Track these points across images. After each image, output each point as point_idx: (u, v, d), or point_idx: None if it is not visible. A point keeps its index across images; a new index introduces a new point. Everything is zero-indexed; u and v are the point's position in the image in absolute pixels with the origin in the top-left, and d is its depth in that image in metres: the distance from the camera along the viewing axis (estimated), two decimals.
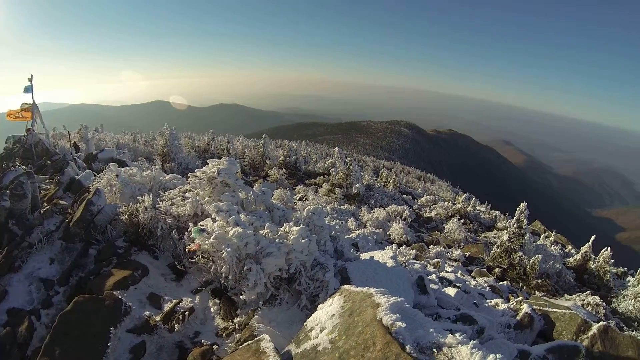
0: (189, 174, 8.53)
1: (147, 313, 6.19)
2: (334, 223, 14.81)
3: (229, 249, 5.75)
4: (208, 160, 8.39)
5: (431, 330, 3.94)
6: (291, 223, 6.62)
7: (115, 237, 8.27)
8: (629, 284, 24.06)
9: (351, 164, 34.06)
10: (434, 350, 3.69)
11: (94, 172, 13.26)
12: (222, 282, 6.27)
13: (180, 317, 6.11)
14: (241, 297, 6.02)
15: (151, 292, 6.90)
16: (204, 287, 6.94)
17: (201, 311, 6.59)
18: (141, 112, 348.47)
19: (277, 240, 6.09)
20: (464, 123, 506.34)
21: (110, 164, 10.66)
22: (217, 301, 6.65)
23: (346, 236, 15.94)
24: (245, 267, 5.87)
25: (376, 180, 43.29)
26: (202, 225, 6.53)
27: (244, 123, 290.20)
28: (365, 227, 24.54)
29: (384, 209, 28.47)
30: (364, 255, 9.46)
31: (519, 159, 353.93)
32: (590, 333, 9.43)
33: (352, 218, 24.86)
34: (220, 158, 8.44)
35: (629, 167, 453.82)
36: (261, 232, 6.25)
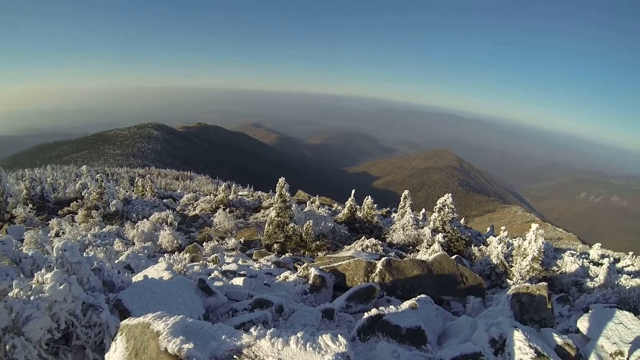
0: None
1: None
2: (93, 253, 13.32)
3: None
4: None
5: (224, 337, 3.71)
6: (43, 270, 5.47)
7: None
8: (394, 219, 27.78)
9: (102, 181, 31.20)
10: (235, 357, 3.49)
11: None
12: None
13: None
14: None
15: None
16: None
17: None
18: None
19: (32, 298, 4.93)
20: (213, 114, 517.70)
21: None
22: None
23: (116, 260, 14.57)
24: (7, 347, 4.64)
25: (133, 191, 40.85)
26: None
27: None
28: (133, 244, 22.91)
29: (148, 220, 26.95)
30: (138, 277, 8.66)
31: (271, 139, 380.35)
32: (377, 270, 10.52)
33: (117, 239, 22.90)
34: None
35: (372, 127, 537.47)
36: (11, 294, 5.02)
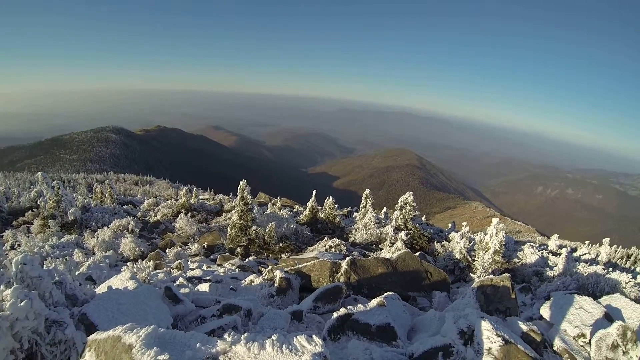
0: None
1: None
2: (53, 265, 12.96)
3: None
4: None
5: (198, 345, 3.67)
6: (2, 286, 5.23)
7: None
8: (356, 219, 27.93)
9: (59, 188, 30.13)
10: None
11: None
12: None
13: None
14: None
15: None
16: None
17: None
18: None
19: None
20: (173, 117, 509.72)
21: None
22: None
23: (77, 272, 14.17)
24: None
25: (92, 198, 39.72)
26: None
27: None
28: (94, 254, 22.27)
29: (108, 228, 26.26)
30: (101, 288, 8.47)
31: (231, 141, 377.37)
32: (342, 269, 10.58)
33: (77, 249, 22.19)
34: None
35: (331, 127, 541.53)
36: None
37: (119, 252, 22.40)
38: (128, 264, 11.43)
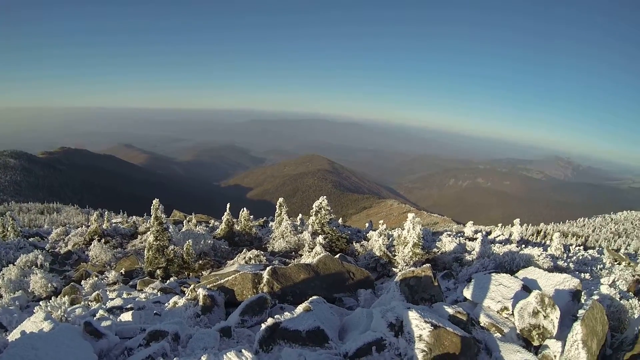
0: None
1: None
2: None
3: None
4: None
5: None
6: None
7: None
8: (273, 228, 28.06)
9: None
10: None
11: None
12: None
13: None
14: None
15: None
16: None
17: None
18: None
19: None
20: (80, 136, 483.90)
21: None
22: None
23: None
24: None
25: None
26: None
27: None
28: (1, 296, 20.65)
29: (14, 265, 24.43)
30: (14, 335, 7.93)
31: (142, 159, 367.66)
32: (264, 280, 10.78)
33: None
34: None
35: (241, 139, 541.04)
36: None
37: (30, 291, 20.92)
38: (41, 303, 10.80)
